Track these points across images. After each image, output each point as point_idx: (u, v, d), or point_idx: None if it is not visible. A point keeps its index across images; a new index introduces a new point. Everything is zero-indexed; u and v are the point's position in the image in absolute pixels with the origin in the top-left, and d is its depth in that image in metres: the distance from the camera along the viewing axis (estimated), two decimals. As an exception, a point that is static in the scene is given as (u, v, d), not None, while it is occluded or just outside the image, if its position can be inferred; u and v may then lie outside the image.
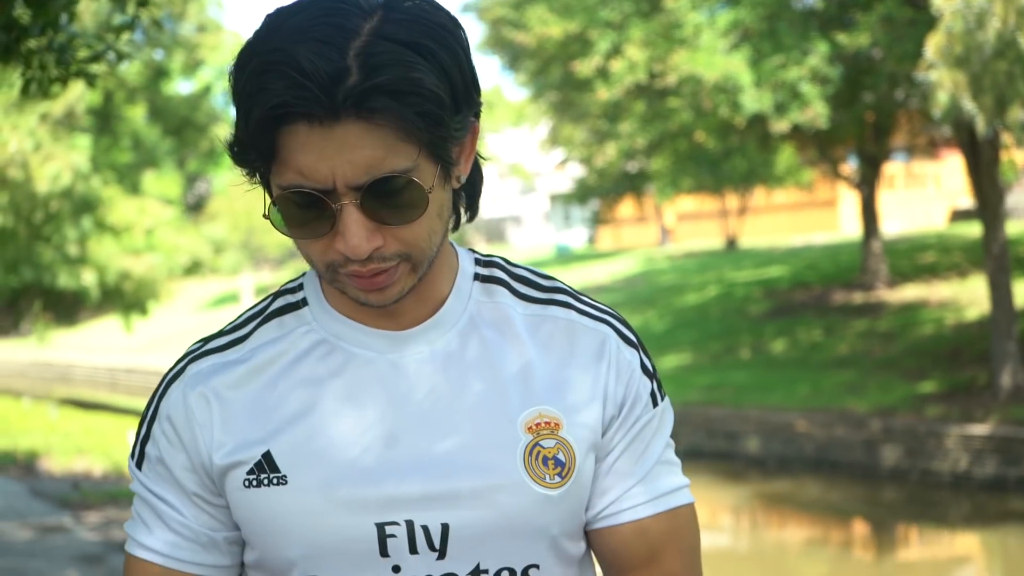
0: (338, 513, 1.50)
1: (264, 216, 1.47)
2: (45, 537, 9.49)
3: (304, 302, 1.61)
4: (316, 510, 1.50)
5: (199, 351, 1.61)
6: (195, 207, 57.02)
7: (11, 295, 33.27)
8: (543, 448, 1.53)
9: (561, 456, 1.54)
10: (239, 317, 1.64)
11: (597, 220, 44.02)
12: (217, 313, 45.80)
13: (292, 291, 1.63)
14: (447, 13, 1.47)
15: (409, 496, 1.50)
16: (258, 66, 1.39)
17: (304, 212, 1.43)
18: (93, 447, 14.91)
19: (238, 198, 52.07)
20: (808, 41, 17.62)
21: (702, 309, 25.19)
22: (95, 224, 30.66)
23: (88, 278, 30.48)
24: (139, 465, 1.59)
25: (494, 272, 1.64)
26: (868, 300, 21.96)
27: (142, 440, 1.60)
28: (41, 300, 34.00)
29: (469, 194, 1.57)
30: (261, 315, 1.62)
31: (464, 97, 1.44)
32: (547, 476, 1.53)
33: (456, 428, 1.52)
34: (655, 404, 1.61)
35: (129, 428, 17.13)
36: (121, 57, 8.37)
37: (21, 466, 13.70)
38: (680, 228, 43.95)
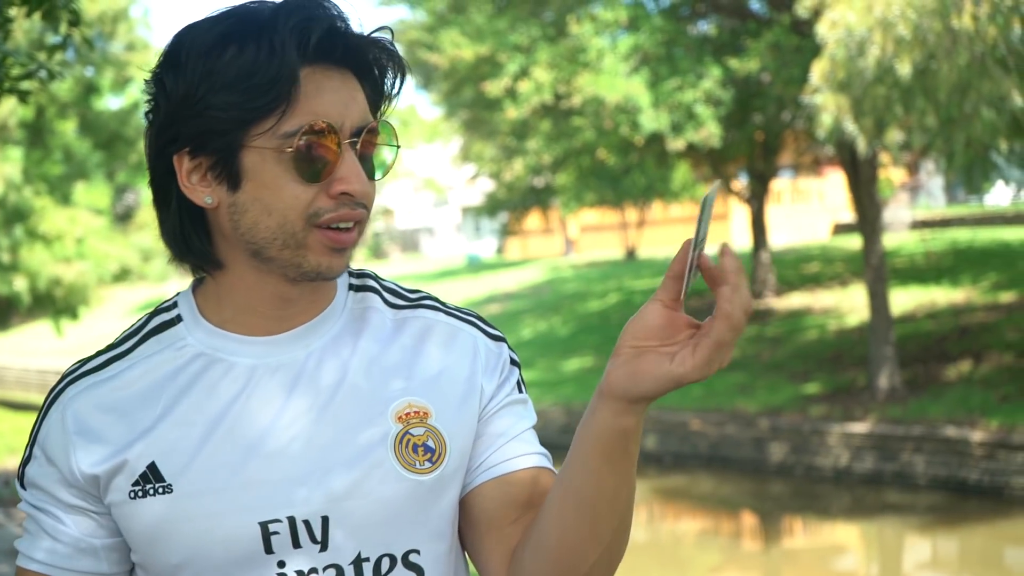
0: (223, 516, 1.49)
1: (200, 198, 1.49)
2: (-23, 532, 9.31)
3: (179, 318, 1.59)
4: (201, 514, 1.49)
5: (77, 372, 1.58)
6: (124, 217, 56.22)
7: (-56, 301, 32.71)
8: (412, 436, 1.53)
9: (431, 443, 1.54)
10: (118, 337, 1.63)
11: (505, 231, 44.09)
12: (144, 318, 45.19)
13: (167, 309, 1.61)
14: None
15: (289, 494, 1.49)
16: (287, 9, 1.45)
17: (308, 156, 1.45)
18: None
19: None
20: (702, 65, 17.78)
21: (604, 315, 25.28)
22: (27, 233, 30.19)
23: (20, 284, 30.01)
24: (23, 485, 1.58)
25: (366, 282, 1.65)
26: (757, 307, 22.16)
27: (24, 461, 1.59)
28: (-27, 305, 33.44)
29: None
30: (138, 334, 1.61)
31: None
32: (417, 463, 1.53)
33: (331, 423, 1.52)
34: (520, 391, 1.65)
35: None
36: (52, 75, 8.27)
37: (-46, 464, 13.43)
38: (583, 239, 44.12)
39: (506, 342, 1.67)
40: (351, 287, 1.63)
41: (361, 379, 1.55)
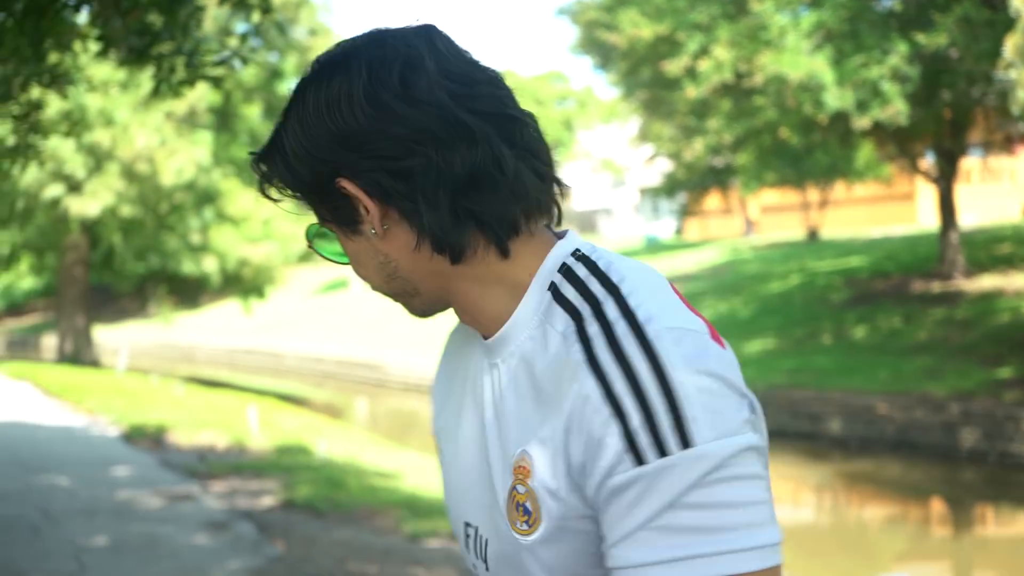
0: (449, 509, 1.60)
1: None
2: (174, 504, 9.59)
3: None
4: (448, 501, 1.60)
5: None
6: (307, 199, 57.35)
7: (139, 280, 33.84)
8: (518, 493, 1.40)
9: (528, 505, 1.38)
10: None
11: (684, 212, 43.83)
12: (329, 298, 46.21)
13: None
14: (347, 83, 1.39)
15: (467, 505, 1.54)
16: None
17: None
18: (216, 422, 15.01)
19: (347, 191, 52.47)
20: (888, 41, 17.43)
21: (786, 297, 24.98)
22: (216, 214, 31.08)
23: (210, 264, 30.91)
24: None
25: (566, 291, 1.39)
26: (946, 289, 21.64)
27: None
28: (166, 285, 34.58)
29: (489, 222, 1.39)
30: None
31: (314, 176, 1.42)
32: (518, 522, 1.40)
33: (485, 452, 1.46)
34: (640, 462, 1.25)
35: (249, 405, 17.31)
36: (245, 61, 8.50)
37: (151, 439, 13.85)
38: (764, 220, 43.59)
39: (620, 417, 1.26)
40: (555, 295, 1.40)
41: (507, 415, 1.43)
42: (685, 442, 1.23)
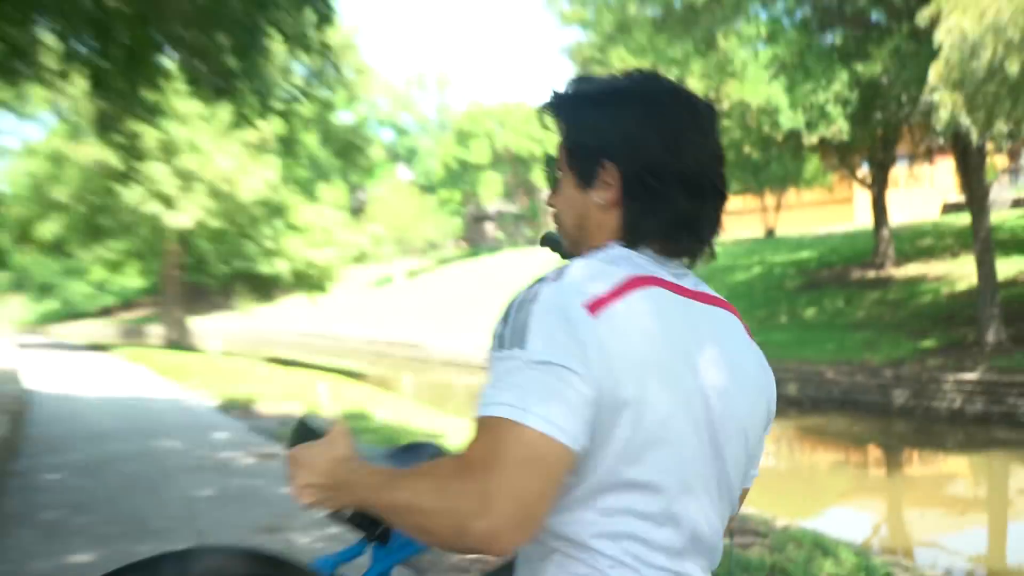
0: None
1: None
2: (263, 462, 9.69)
3: None
4: None
5: None
6: (357, 211, 57.40)
7: (225, 279, 33.95)
8: None
9: None
10: None
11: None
12: (378, 291, 46.24)
13: None
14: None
15: None
16: None
17: None
18: (294, 394, 15.08)
19: (389, 204, 52.56)
20: (832, 71, 17.41)
21: (749, 284, 24.99)
22: (285, 224, 31.14)
23: (281, 266, 30.99)
24: None
25: None
26: (879, 276, 21.66)
27: None
28: (247, 283, 34.64)
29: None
30: None
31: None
32: None
33: None
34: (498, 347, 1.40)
35: (319, 380, 17.41)
36: (307, 96, 8.66)
37: (242, 408, 13.95)
38: (728, 221, 43.30)
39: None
40: None
41: None
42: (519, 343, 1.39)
